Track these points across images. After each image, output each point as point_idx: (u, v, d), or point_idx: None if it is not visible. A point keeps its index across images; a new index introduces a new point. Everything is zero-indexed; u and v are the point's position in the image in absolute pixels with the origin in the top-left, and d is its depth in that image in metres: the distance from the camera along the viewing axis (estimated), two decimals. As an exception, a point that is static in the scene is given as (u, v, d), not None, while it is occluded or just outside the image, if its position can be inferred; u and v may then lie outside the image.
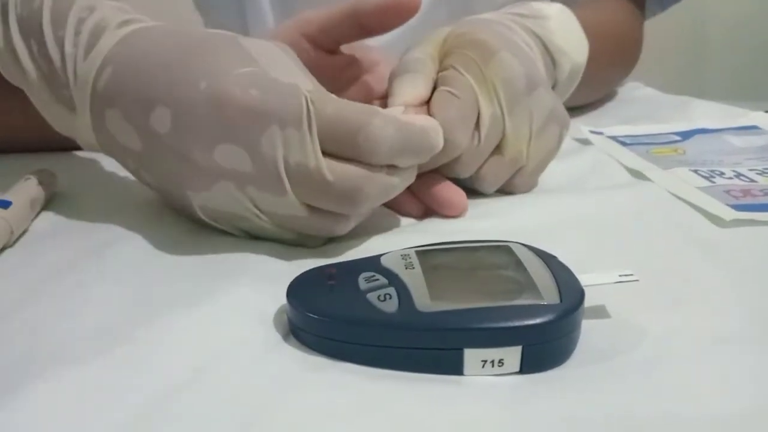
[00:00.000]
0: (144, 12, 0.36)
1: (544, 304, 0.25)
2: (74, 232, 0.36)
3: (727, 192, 0.41)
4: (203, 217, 0.33)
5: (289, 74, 0.32)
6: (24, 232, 0.36)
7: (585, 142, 0.52)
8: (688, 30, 0.65)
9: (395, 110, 0.35)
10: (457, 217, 0.37)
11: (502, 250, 0.29)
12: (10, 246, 0.34)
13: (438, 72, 0.39)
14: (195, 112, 0.30)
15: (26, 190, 0.37)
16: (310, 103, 0.30)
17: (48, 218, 0.38)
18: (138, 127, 0.32)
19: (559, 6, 0.47)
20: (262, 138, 0.30)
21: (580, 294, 0.26)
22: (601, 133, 0.54)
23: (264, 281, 0.30)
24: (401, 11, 0.38)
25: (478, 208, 0.39)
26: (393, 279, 0.26)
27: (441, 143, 0.33)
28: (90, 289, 0.30)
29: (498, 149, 0.38)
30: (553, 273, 0.27)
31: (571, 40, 0.46)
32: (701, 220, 0.38)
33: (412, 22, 0.39)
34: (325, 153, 0.30)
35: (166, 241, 0.34)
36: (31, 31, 0.35)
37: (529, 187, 0.41)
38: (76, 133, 0.36)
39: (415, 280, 0.26)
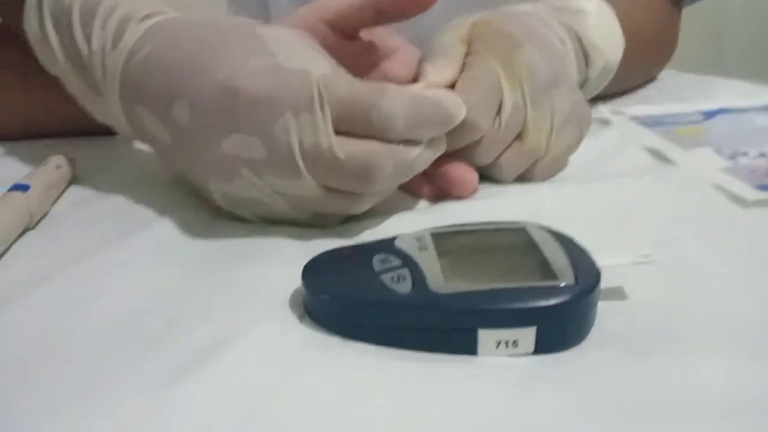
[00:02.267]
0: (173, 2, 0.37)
1: (559, 285, 0.24)
2: (93, 217, 0.36)
3: (752, 171, 0.40)
4: (224, 204, 0.33)
5: (304, 60, 0.32)
6: (44, 216, 0.36)
7: (605, 122, 0.51)
8: (707, 7, 0.64)
9: (416, 87, 0.35)
10: (468, 196, 0.37)
11: (517, 231, 0.29)
12: (32, 228, 0.35)
13: (464, 54, 0.39)
14: (209, 104, 0.31)
15: (45, 174, 0.37)
16: (321, 87, 0.30)
17: (68, 202, 0.38)
18: (164, 120, 0.33)
19: (597, 2, 0.46)
20: (276, 125, 0.30)
21: (596, 275, 0.25)
22: (622, 114, 0.53)
23: (280, 263, 0.30)
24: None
25: (493, 189, 0.39)
26: (407, 260, 0.26)
27: (460, 113, 0.33)
28: (107, 275, 0.30)
29: (518, 138, 0.38)
30: (569, 254, 0.26)
31: (607, 37, 0.46)
32: (723, 201, 0.37)
33: (438, 11, 0.39)
34: (341, 133, 0.30)
35: (183, 227, 0.34)
36: (62, 26, 0.36)
37: (546, 177, 0.40)
38: (111, 120, 0.37)
39: (429, 261, 0.26)
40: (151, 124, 0.33)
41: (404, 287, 0.25)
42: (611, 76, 0.48)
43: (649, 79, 0.62)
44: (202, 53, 0.32)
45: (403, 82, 0.43)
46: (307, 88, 0.30)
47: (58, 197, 0.38)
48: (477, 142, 0.36)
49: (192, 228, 0.34)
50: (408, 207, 0.37)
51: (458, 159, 0.37)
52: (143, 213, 0.36)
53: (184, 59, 0.32)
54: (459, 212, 0.36)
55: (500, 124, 0.36)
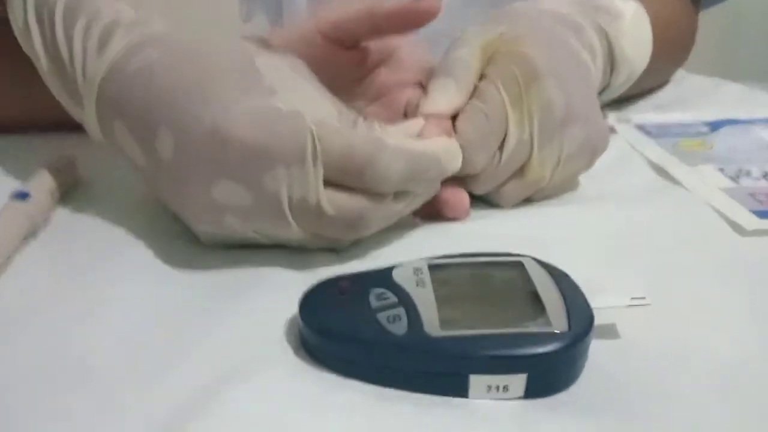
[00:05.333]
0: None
1: (551, 332, 0.25)
2: (94, 227, 0.36)
3: (752, 195, 0.40)
4: (207, 241, 0.33)
5: (303, 99, 0.31)
6: (46, 223, 0.36)
7: (611, 130, 0.51)
8: (720, 9, 0.63)
9: (414, 125, 0.34)
10: (461, 218, 0.37)
11: (514, 266, 0.29)
12: (34, 238, 0.35)
13: (479, 75, 0.37)
14: (197, 146, 0.30)
15: (45, 180, 0.37)
16: (316, 141, 0.30)
17: (68, 210, 0.38)
18: (142, 146, 0.32)
19: (635, 6, 0.45)
20: (266, 177, 0.30)
21: (589, 321, 0.26)
22: (628, 122, 0.52)
23: (277, 290, 0.30)
24: (417, 17, 0.36)
25: (488, 210, 0.38)
26: (403, 298, 0.27)
27: (456, 166, 0.34)
28: (108, 293, 0.31)
29: (520, 170, 0.37)
30: (563, 295, 0.27)
31: (638, 46, 0.45)
32: (723, 228, 0.37)
33: (447, 12, 0.38)
34: (331, 183, 0.30)
35: (178, 249, 0.34)
36: (45, 21, 0.35)
37: (545, 198, 0.40)
38: (85, 124, 0.36)
39: (425, 300, 0.26)
40: (127, 142, 0.32)
41: (400, 328, 0.25)
42: (631, 83, 0.47)
43: (664, 82, 0.62)
44: (193, 85, 0.31)
45: (403, 85, 0.42)
46: (301, 140, 0.29)
47: (59, 201, 0.38)
48: (473, 174, 0.36)
49: (186, 250, 0.33)
50: (402, 225, 0.36)
51: (451, 183, 0.36)
52: (143, 226, 0.35)
53: (174, 87, 0.31)
54: (453, 234, 0.36)
55: (500, 159, 0.36)
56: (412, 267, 0.29)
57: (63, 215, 0.37)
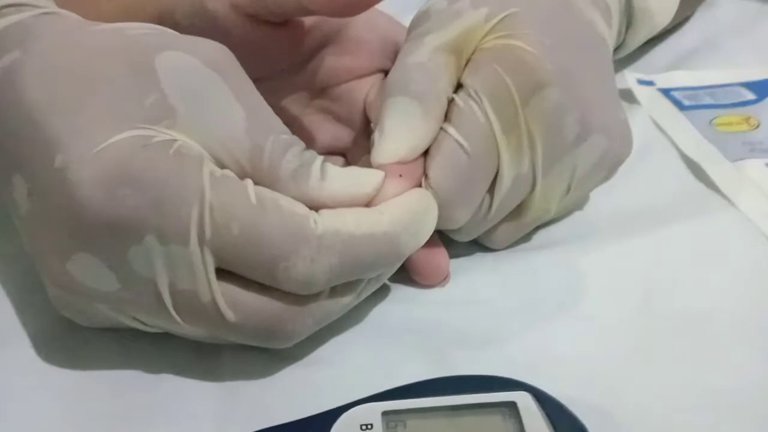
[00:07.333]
0: None
1: None
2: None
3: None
4: (80, 323, 0.24)
5: (210, 118, 0.21)
6: None
7: (630, 98, 0.40)
8: None
9: (372, 179, 0.23)
10: (439, 285, 0.28)
11: (503, 412, 0.20)
12: None
13: (455, 85, 0.26)
14: (48, 201, 0.21)
15: None
16: (206, 216, 0.20)
17: None
18: (3, 189, 0.23)
19: None
20: (129, 252, 0.20)
21: None
22: (651, 83, 0.42)
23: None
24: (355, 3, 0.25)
25: (476, 256, 0.29)
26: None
27: (424, 238, 0.24)
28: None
29: (517, 209, 0.27)
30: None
31: None
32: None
33: None
34: (233, 273, 0.21)
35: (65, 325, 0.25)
36: None
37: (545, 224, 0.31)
38: None
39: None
40: None
41: None
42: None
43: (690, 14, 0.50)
44: (53, 108, 0.21)
45: (360, 72, 0.32)
46: (184, 209, 0.20)
47: None
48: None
49: (67, 338, 0.25)
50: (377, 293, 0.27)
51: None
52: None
53: (28, 111, 0.21)
54: (424, 302, 0.27)
55: (490, 205, 0.26)
56: (359, 423, 0.20)
57: None
